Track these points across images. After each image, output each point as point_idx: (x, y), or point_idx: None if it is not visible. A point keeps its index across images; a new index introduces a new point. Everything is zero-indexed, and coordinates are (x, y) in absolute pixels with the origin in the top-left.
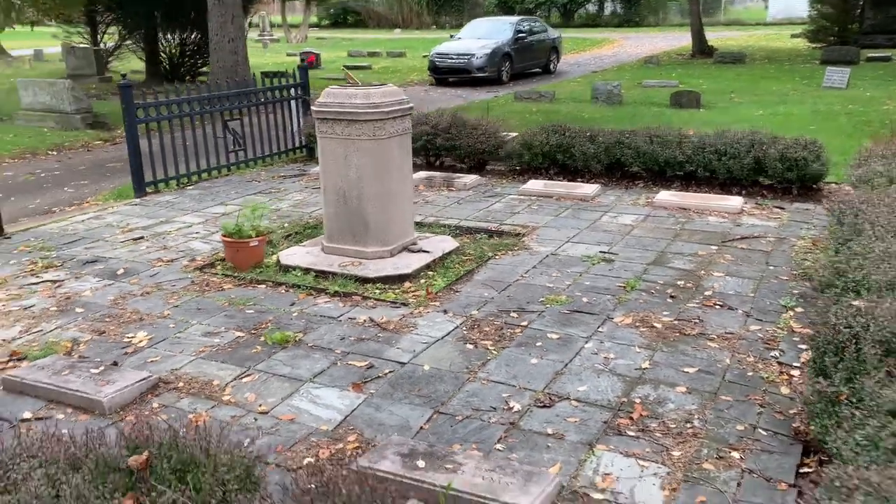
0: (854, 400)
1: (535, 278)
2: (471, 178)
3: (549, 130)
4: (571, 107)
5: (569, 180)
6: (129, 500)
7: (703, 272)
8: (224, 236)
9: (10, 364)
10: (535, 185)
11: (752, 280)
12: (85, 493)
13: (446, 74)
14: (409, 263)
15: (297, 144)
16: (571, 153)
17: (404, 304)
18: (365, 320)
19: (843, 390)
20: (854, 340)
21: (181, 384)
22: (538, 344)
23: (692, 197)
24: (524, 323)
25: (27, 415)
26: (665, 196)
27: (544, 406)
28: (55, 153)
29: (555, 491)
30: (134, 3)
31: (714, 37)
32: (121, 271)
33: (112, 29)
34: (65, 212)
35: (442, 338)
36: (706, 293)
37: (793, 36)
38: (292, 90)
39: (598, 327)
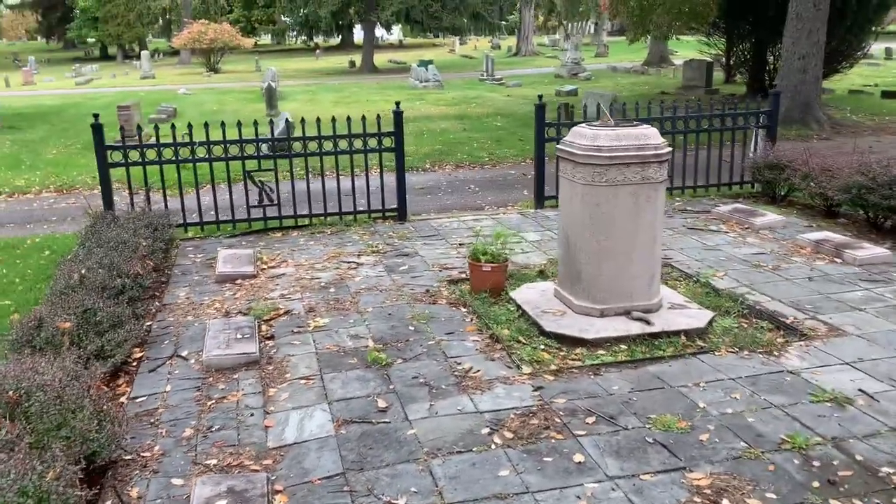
0: None
1: (705, 392)
2: (875, 252)
3: None
4: None
5: None
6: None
7: None
8: (469, 256)
9: (238, 315)
10: None
11: None
12: None
13: None
14: (602, 329)
15: (745, 179)
16: None
17: (518, 367)
18: (464, 368)
19: None
20: None
21: (270, 367)
22: (546, 459)
23: None
24: (582, 432)
25: (184, 353)
26: None
27: None
28: None
29: None
30: (737, 17)
31: None
32: (404, 267)
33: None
34: (481, 211)
35: (481, 412)
36: (893, 488)
37: None
38: (752, 118)
39: (650, 473)
